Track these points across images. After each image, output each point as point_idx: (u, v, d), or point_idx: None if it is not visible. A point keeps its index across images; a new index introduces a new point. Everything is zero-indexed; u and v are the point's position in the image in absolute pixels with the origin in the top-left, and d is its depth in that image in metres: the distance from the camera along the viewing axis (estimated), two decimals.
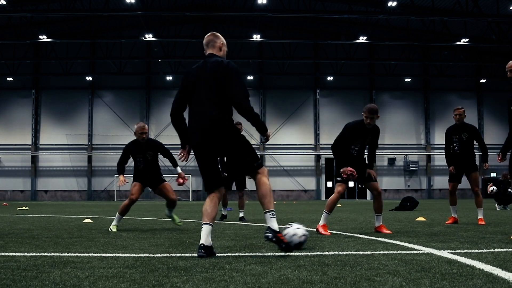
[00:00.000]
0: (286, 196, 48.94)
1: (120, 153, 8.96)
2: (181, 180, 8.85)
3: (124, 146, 9.02)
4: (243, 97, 5.20)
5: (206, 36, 5.61)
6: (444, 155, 10.56)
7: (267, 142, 48.65)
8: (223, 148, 5.30)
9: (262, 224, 10.07)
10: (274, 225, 5.08)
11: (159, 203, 31.81)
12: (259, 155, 48.90)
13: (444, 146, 10.45)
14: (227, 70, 5.22)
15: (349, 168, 7.59)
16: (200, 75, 5.34)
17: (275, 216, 5.14)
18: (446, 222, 10.09)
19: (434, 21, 40.46)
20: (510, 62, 6.75)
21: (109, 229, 8.52)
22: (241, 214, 11.97)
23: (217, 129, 5.19)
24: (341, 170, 7.66)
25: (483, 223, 9.69)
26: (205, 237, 5.04)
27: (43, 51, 48.44)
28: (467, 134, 10.02)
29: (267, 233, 5.05)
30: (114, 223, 8.70)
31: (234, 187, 12.35)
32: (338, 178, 7.88)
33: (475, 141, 10.14)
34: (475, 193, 10.05)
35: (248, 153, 5.32)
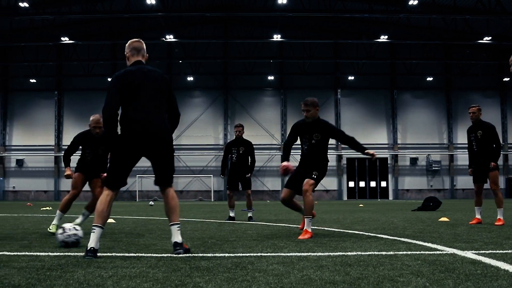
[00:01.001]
0: None
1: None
2: None
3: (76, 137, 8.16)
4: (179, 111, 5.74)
5: (135, 41, 5.65)
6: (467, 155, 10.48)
7: None
8: (154, 153, 5.37)
9: (284, 224, 10.06)
10: (179, 238, 5.25)
11: (181, 203, 31.82)
12: (266, 157, 47.92)
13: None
14: (169, 84, 5.58)
15: (282, 164, 7.40)
16: (144, 80, 5.39)
17: (180, 229, 5.33)
18: (470, 223, 9.99)
19: (456, 20, 40.02)
20: None
21: (48, 230, 7.84)
22: (249, 214, 11.86)
23: (160, 136, 5.33)
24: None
25: (499, 223, 9.48)
26: (95, 240, 5.04)
27: (65, 53, 48.97)
28: (481, 132, 9.96)
29: (178, 249, 5.21)
30: (54, 222, 7.90)
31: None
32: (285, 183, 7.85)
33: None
34: (493, 191, 9.91)
35: (172, 165, 5.50)
